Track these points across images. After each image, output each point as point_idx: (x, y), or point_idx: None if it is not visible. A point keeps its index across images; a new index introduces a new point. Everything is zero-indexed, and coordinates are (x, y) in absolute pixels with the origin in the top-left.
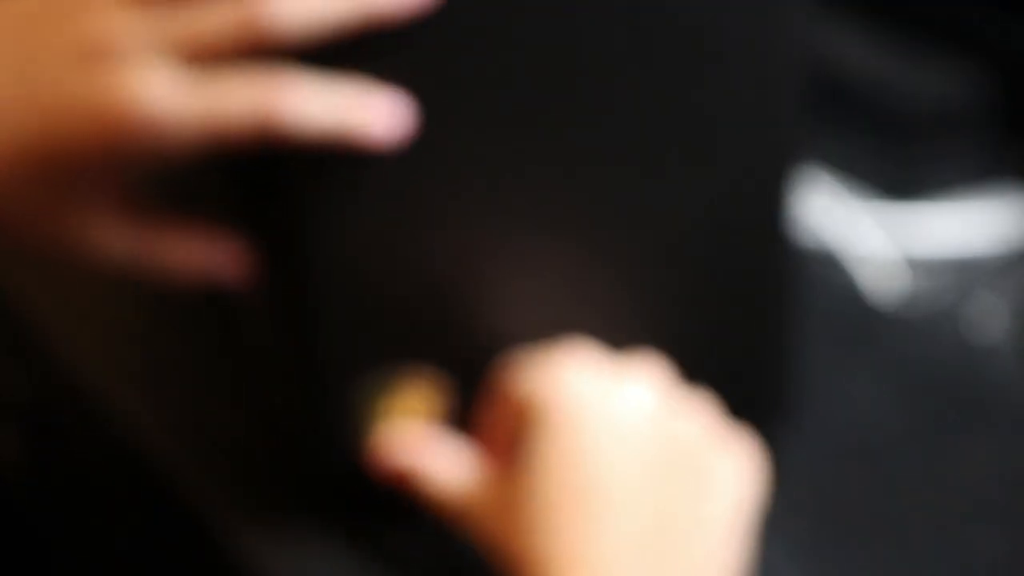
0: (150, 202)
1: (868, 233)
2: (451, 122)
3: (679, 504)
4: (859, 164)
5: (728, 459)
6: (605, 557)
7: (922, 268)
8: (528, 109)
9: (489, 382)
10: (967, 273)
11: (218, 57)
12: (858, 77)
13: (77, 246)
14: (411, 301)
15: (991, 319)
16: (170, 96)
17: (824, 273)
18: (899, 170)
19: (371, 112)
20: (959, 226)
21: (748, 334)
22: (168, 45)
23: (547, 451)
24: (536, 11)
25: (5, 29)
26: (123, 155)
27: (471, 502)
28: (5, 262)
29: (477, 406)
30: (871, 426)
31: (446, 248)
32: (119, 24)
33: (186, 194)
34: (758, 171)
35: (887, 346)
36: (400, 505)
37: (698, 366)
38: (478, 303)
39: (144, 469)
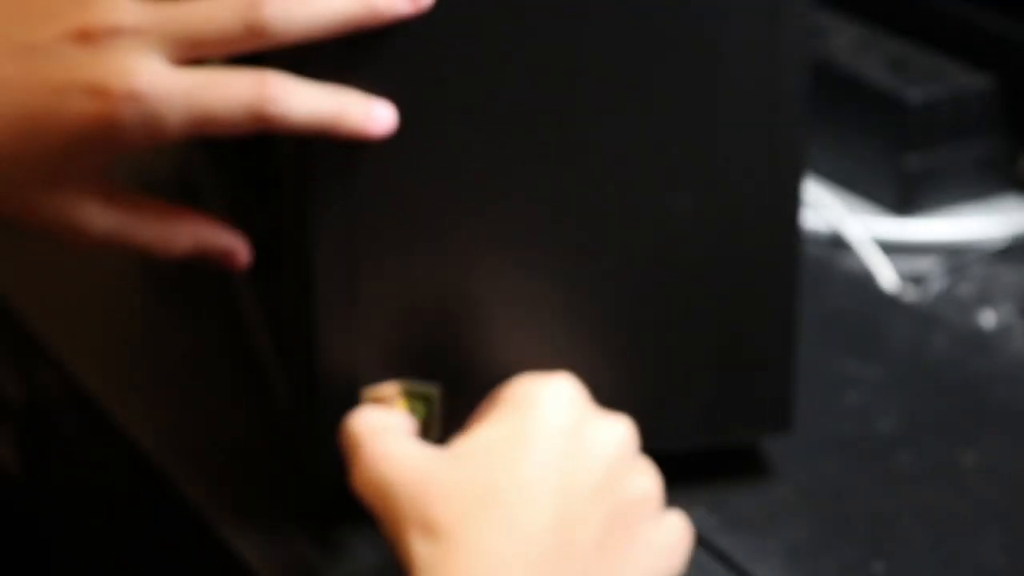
0: (135, 186)
1: (869, 233)
2: (453, 130)
3: (592, 557)
4: (860, 162)
5: (659, 532)
6: (493, 561)
7: (923, 268)
8: (528, 110)
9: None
10: (968, 273)
11: (215, 51)
12: (858, 78)
13: (61, 222)
14: (410, 314)
15: (992, 318)
16: (164, 75)
17: (825, 274)
18: (900, 168)
19: (361, 101)
20: (959, 226)
21: (750, 335)
22: (167, 34)
23: (495, 437)
24: (538, 11)
25: (6, 6)
26: (115, 133)
27: (405, 464)
28: (5, 264)
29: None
30: (871, 426)
31: (447, 262)
32: (121, 9)
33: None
34: (759, 173)
35: (887, 346)
36: None
37: (699, 368)
38: (479, 315)
39: (144, 469)
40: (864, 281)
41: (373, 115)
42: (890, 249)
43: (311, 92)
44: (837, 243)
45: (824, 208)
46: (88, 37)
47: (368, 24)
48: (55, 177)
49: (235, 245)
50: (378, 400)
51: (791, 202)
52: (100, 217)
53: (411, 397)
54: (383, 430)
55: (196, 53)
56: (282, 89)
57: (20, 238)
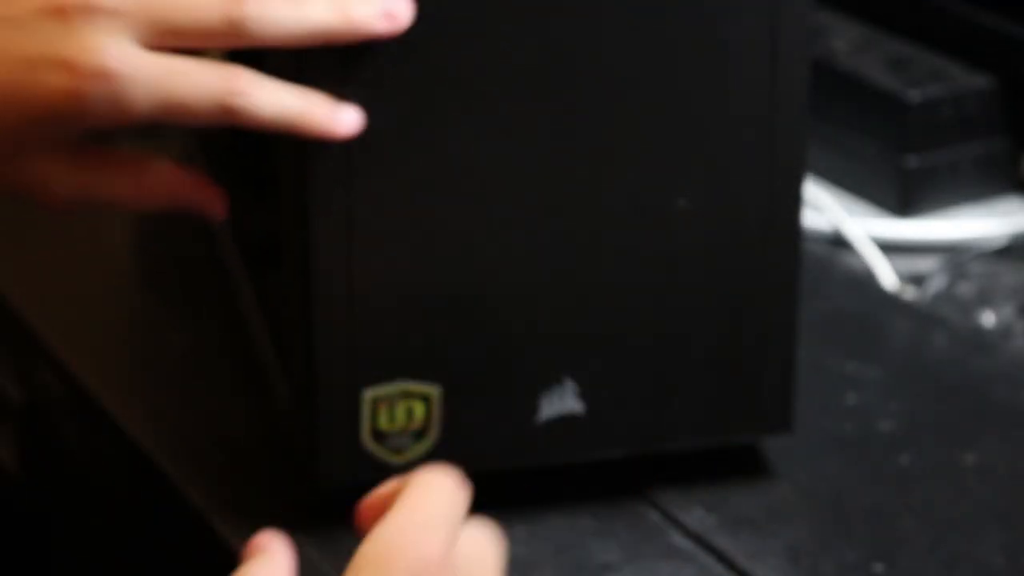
0: (101, 145)
1: (869, 233)
2: (452, 130)
3: None
4: (860, 162)
5: None
6: None
7: (923, 268)
8: (528, 110)
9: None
10: (968, 273)
11: (191, 42)
12: (858, 78)
13: (25, 184)
14: (410, 314)
15: (992, 318)
16: (134, 57)
17: (825, 274)
18: (900, 168)
19: (326, 102)
20: (959, 226)
21: (750, 335)
22: (144, 18)
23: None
24: (538, 11)
25: None
26: (82, 108)
27: None
28: (5, 264)
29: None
30: (871, 426)
31: (447, 261)
32: None
33: None
34: (759, 173)
35: (887, 346)
36: None
37: (699, 367)
38: (478, 314)
39: (144, 469)
40: (864, 281)
41: (337, 116)
42: (890, 249)
43: (278, 90)
44: (837, 243)
45: (824, 208)
46: (63, 13)
47: (345, 37)
48: (22, 145)
49: (210, 197)
50: (378, 400)
51: (791, 202)
52: (67, 177)
53: (411, 397)
54: None
55: (172, 41)
56: (250, 84)
57: (20, 238)
